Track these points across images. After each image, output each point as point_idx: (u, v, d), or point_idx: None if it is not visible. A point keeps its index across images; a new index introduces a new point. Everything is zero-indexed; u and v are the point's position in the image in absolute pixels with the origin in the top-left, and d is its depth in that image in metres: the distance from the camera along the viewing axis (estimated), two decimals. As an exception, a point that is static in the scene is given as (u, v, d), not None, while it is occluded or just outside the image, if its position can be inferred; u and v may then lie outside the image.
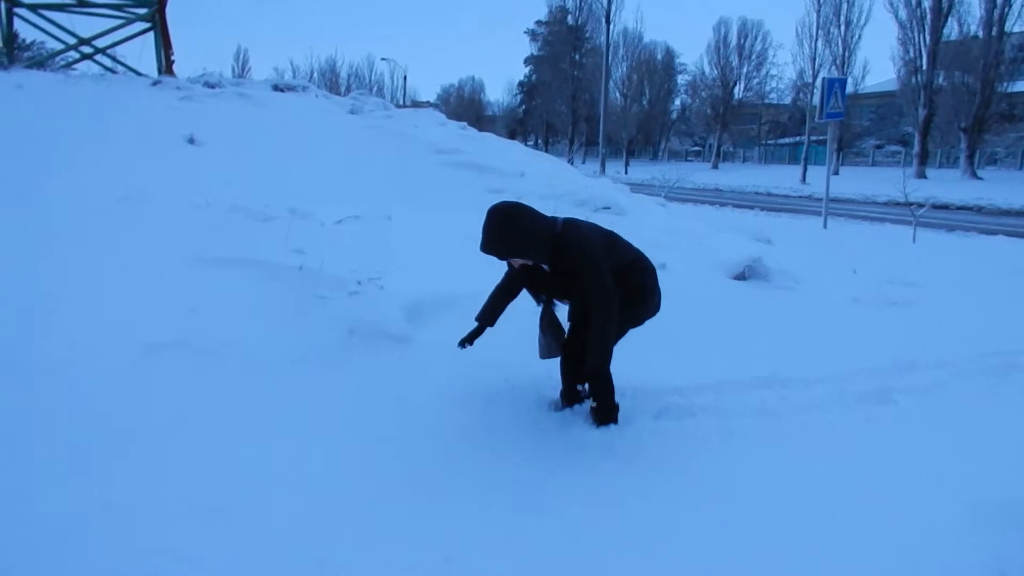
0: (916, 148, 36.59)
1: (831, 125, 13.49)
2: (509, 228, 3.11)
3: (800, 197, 25.89)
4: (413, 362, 3.95)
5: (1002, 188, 25.89)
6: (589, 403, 3.55)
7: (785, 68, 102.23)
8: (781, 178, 34.74)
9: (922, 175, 33.49)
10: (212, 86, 9.83)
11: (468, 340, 3.58)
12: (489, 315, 3.59)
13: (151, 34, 14.64)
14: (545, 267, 3.25)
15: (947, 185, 25.76)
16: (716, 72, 51.61)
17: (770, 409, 3.81)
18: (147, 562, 2.29)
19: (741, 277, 5.70)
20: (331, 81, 60.61)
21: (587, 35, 55.05)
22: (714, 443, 3.47)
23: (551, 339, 3.57)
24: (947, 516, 2.78)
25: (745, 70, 51.41)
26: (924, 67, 34.78)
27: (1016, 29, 32.94)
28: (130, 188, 5.38)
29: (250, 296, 4.17)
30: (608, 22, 35.12)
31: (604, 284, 3.15)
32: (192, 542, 2.41)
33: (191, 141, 7.15)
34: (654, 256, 5.60)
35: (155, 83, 9.66)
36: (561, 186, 8.41)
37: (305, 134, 8.06)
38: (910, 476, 3.14)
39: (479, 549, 2.54)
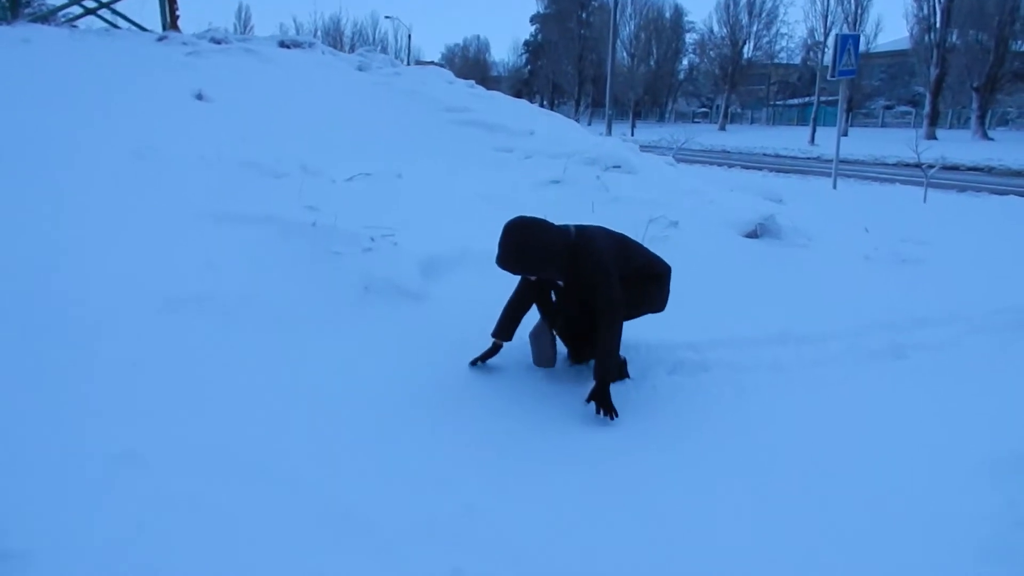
0: (927, 108, 36.13)
1: (843, 84, 13.30)
2: (525, 246, 3.18)
3: (809, 159, 25.65)
4: (429, 318, 3.98)
5: (1013, 149, 25.61)
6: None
7: (796, 27, 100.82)
8: (790, 139, 34.38)
9: (932, 136, 33.14)
10: (218, 42, 9.70)
11: (482, 359, 3.58)
12: (505, 331, 3.58)
13: (154, -11, 14.45)
14: (559, 281, 3.37)
15: (957, 146, 25.49)
16: (725, 31, 50.73)
17: (783, 364, 3.84)
18: (165, 509, 2.34)
19: (753, 235, 5.69)
20: (335, 39, 59.79)
21: (594, -8, 54.07)
22: (727, 397, 3.50)
23: (545, 346, 3.62)
24: (963, 467, 2.82)
25: (755, 28, 50.51)
26: (938, 25, 34.14)
27: (1034, -15, 32.25)
28: (141, 143, 5.36)
29: (265, 252, 4.18)
30: (615, -22, 34.34)
31: (614, 296, 3.21)
32: (209, 490, 2.45)
33: (200, 97, 7.09)
34: (668, 213, 5.65)
35: (161, 39, 9.53)
36: (571, 144, 8.33)
37: (313, 90, 7.99)
38: (924, 429, 3.17)
39: (500, 499, 2.58)
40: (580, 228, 3.39)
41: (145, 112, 6.32)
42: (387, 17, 63.44)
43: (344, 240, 4.33)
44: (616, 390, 3.43)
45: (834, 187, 13.09)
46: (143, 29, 13.24)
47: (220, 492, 2.46)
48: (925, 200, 10.36)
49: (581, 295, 3.33)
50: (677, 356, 3.82)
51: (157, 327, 3.44)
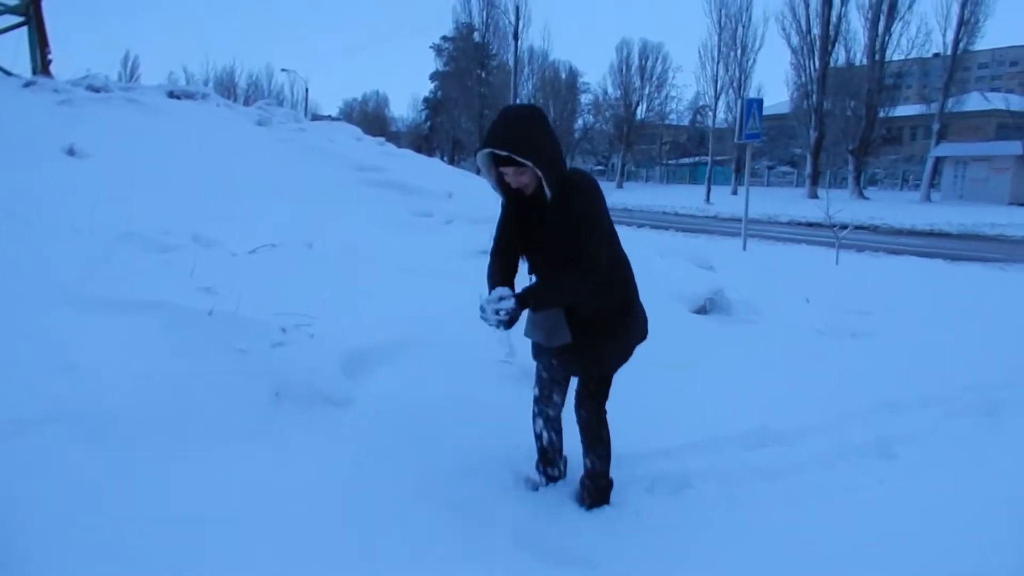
0: (808, 169, 38.32)
1: (748, 146, 13.56)
2: (531, 122, 2.56)
3: (707, 217, 26.43)
4: (356, 428, 3.27)
5: (889, 207, 27.38)
6: (581, 477, 2.99)
7: (684, 90, 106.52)
8: (685, 198, 35.55)
9: (814, 195, 35.06)
10: (97, 90, 8.70)
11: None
12: (503, 280, 2.75)
13: (24, 30, 13.12)
14: (547, 193, 2.57)
15: (839, 205, 26.77)
16: (619, 92, 52.64)
17: (772, 470, 3.37)
18: None
19: (702, 311, 5.31)
20: (229, 91, 57.95)
21: (493, 52, 54.99)
22: (718, 519, 2.98)
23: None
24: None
25: (647, 91, 52.65)
26: (815, 93, 36.52)
27: (895, 58, 35.17)
28: (-8, 210, 4.43)
29: (147, 350, 3.35)
30: (516, 39, 34.95)
31: (600, 243, 2.62)
32: None
33: (71, 152, 6.15)
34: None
35: (28, 84, 8.46)
36: (493, 208, 7.84)
37: (208, 147, 7.16)
38: (942, 544, 2.77)
39: None
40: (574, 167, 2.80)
41: (2, 168, 5.35)
42: (284, 70, 62.07)
43: (249, 332, 3.56)
44: (597, 520, 2.86)
45: (744, 248, 13.20)
46: (8, 73, 11.89)
47: None
48: (837, 262, 10.47)
49: (560, 244, 2.62)
50: (654, 468, 3.28)
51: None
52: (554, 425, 3.06)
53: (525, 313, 2.73)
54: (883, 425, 3.95)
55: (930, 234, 19.34)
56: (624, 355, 2.92)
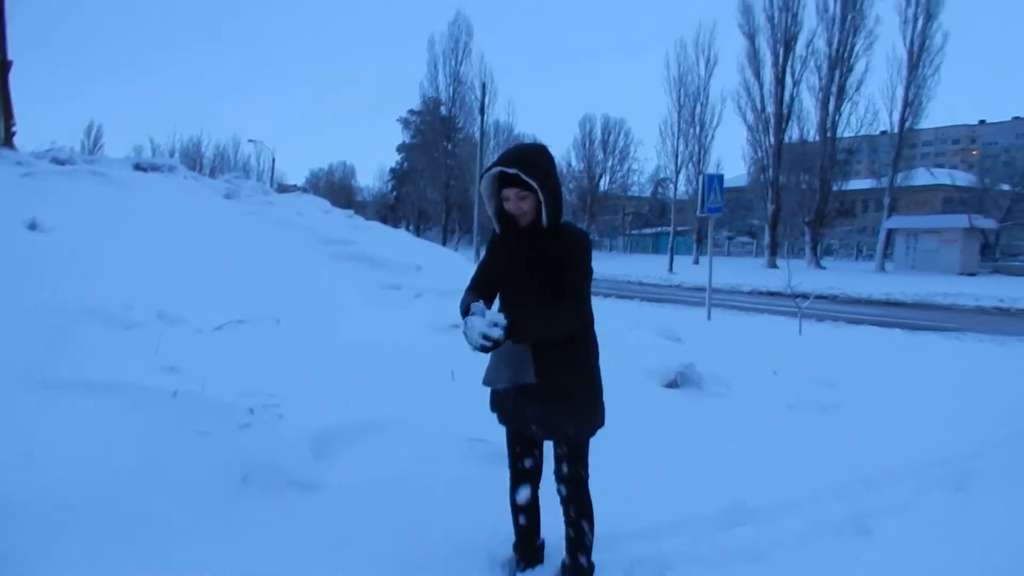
0: (767, 240, 39.36)
1: (710, 219, 13.90)
2: (541, 153, 2.68)
3: (671, 286, 26.81)
4: (326, 514, 3.16)
5: (845, 277, 28.11)
6: (562, 560, 2.90)
7: (646, 163, 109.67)
8: (649, 267, 36.09)
9: (773, 265, 35.95)
10: (62, 162, 8.60)
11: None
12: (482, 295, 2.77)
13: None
14: (545, 220, 2.61)
15: (798, 275, 27.51)
16: (582, 164, 54.02)
17: (752, 551, 3.32)
18: None
19: (673, 384, 5.32)
20: (195, 161, 58.04)
21: (459, 125, 56.21)
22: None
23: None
24: None
25: (610, 163, 54.14)
26: (771, 167, 37.87)
27: (846, 135, 36.79)
28: (-53, 288, 4.29)
29: (108, 435, 3.22)
30: (482, 113, 35.89)
31: (587, 287, 2.66)
32: None
33: (33, 227, 6.03)
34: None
35: (-10, 158, 8.34)
36: (462, 280, 7.85)
37: (174, 221, 7.08)
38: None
39: None
40: None
41: (-41, 245, 5.23)
42: (251, 141, 62.48)
43: (215, 414, 3.46)
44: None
45: (708, 318, 13.36)
46: (-30, 146, 11.77)
47: None
48: (800, 332, 10.64)
49: (548, 276, 2.62)
50: (631, 552, 3.21)
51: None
52: (532, 505, 2.98)
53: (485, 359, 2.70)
54: (857, 500, 3.94)
55: (887, 303, 19.83)
56: (598, 416, 2.85)
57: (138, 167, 9.85)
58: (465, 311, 2.61)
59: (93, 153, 44.90)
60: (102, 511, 2.81)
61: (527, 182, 2.57)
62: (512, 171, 2.57)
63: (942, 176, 44.44)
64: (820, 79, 35.91)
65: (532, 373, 2.67)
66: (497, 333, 2.44)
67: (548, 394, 2.69)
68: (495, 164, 2.62)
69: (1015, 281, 26.84)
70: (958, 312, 17.56)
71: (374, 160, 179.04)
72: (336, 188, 71.47)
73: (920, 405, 5.78)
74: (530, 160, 2.60)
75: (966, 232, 31.67)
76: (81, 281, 4.94)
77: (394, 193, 69.21)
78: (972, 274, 30.19)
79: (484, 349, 2.46)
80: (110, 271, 5.30)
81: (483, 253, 2.96)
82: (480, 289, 2.82)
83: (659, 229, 57.12)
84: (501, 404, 2.88)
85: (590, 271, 2.70)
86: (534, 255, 2.66)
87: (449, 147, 55.95)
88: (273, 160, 55.64)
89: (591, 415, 2.80)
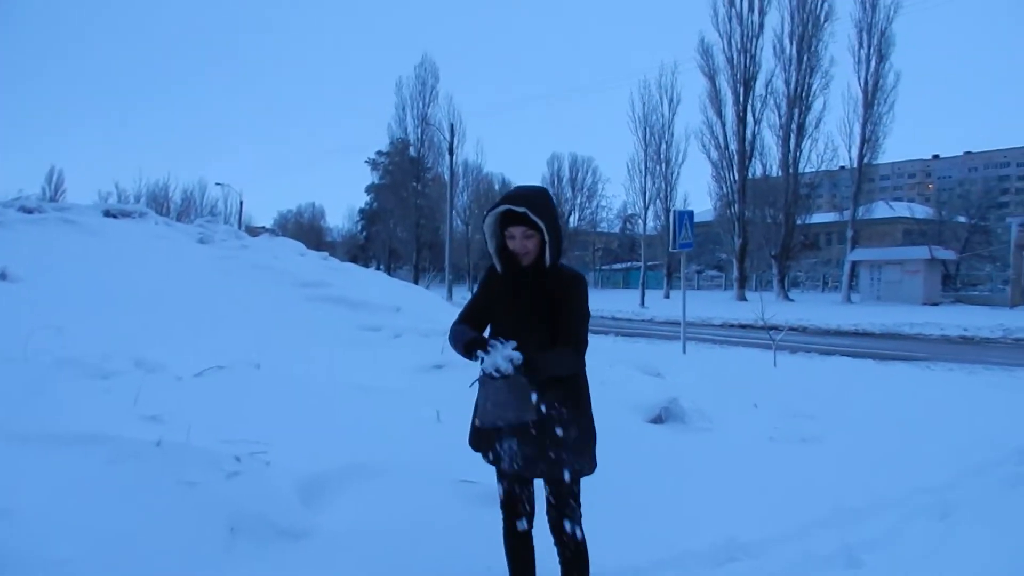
0: (736, 273, 39.94)
1: (682, 254, 14.09)
2: (546, 196, 2.78)
3: (643, 320, 26.98)
4: (317, 563, 3.09)
5: (814, 309, 28.57)
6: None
7: (614, 200, 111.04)
8: (621, 302, 36.29)
9: (743, 297, 36.44)
10: (30, 211, 8.50)
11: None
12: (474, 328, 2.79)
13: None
14: (548, 259, 2.69)
15: (767, 307, 27.99)
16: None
17: (744, 588, 3.32)
18: None
19: (658, 420, 5.34)
20: (162, 205, 57.51)
21: (428, 165, 56.56)
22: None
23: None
24: None
25: (579, 200, 54.74)
26: (736, 201, 38.61)
27: (807, 170, 37.76)
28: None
29: (88, 489, 3.14)
30: (451, 153, 36.21)
31: (584, 325, 2.71)
32: None
33: (2, 277, 5.93)
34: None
35: (-46, 207, 8.23)
36: (440, 320, 7.85)
37: (148, 267, 7.01)
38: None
39: None
40: None
41: (-73, 296, 5.11)
42: (218, 184, 62.08)
43: (200, 463, 3.39)
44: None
45: (683, 352, 13.46)
46: (-66, 195, 11.55)
47: None
48: (775, 364, 10.75)
49: (543, 315, 2.66)
50: (627, 589, 3.18)
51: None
52: (525, 544, 2.94)
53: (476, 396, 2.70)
54: (845, 531, 3.95)
55: (856, 334, 20.17)
56: (593, 456, 2.84)
57: (108, 214, 9.77)
58: (472, 341, 2.65)
59: (55, 200, 44.24)
60: (86, 570, 2.72)
61: (534, 221, 2.64)
62: (521, 210, 2.64)
63: (901, 209, 45.76)
64: (780, 117, 36.94)
65: (533, 411, 2.66)
66: (507, 368, 2.48)
67: (544, 434, 2.69)
68: (501, 203, 2.70)
69: (976, 310, 27.52)
70: (925, 342, 17.92)
71: (343, 200, 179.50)
72: (305, 229, 71.18)
73: (898, 434, 5.88)
74: (538, 202, 2.69)
75: (928, 263, 32.50)
76: (54, 331, 4.84)
77: (364, 233, 69.11)
78: (935, 304, 30.89)
79: (495, 375, 2.50)
80: (84, 320, 5.21)
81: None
82: (472, 322, 2.86)
83: (629, 264, 57.71)
84: (490, 443, 2.86)
85: (588, 313, 2.75)
86: (535, 293, 2.71)
87: (419, 187, 56.19)
88: (241, 203, 55.41)
89: (586, 455, 2.80)
